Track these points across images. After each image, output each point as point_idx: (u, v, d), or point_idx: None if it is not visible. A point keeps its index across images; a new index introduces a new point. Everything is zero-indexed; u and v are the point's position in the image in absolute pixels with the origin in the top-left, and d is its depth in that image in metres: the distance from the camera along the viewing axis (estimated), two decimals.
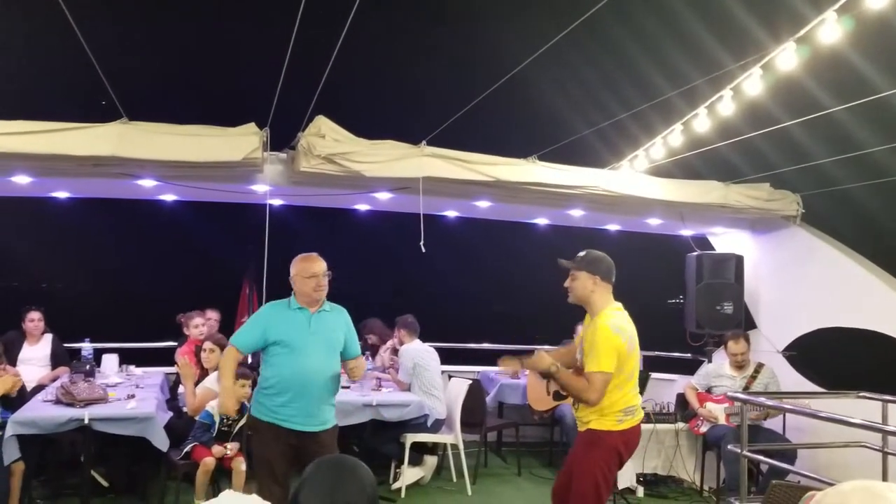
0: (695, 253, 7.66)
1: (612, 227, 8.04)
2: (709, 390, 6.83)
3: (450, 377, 7.44)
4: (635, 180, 6.85)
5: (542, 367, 4.18)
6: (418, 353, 6.87)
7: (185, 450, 5.49)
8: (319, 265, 4.50)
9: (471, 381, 7.02)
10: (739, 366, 6.71)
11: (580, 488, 4.10)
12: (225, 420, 5.55)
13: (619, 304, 4.27)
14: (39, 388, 6.46)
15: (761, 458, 5.53)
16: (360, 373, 4.78)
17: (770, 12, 5.04)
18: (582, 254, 4.28)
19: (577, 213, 7.21)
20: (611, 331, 4.04)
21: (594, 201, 6.82)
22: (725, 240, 8.12)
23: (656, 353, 8.68)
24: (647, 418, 6.83)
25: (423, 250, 5.74)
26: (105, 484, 6.10)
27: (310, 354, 4.38)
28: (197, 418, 5.61)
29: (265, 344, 4.43)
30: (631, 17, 7.26)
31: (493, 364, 8.72)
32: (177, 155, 5.36)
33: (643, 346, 8.74)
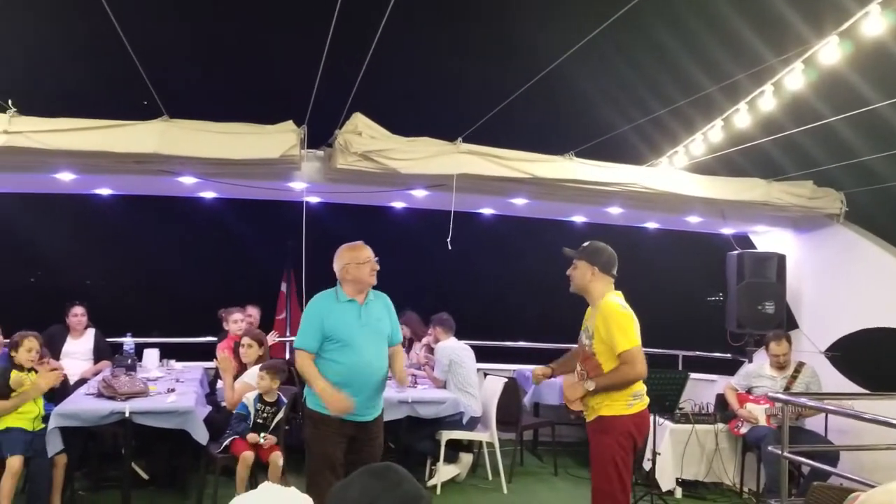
0: (736, 251, 7.58)
1: (651, 224, 7.98)
2: (749, 391, 6.76)
3: (485, 375, 7.46)
4: (675, 177, 6.80)
5: (578, 395, 4.34)
6: (454, 350, 6.90)
7: (224, 443, 5.58)
8: (369, 251, 4.55)
9: (507, 380, 7.03)
10: (780, 366, 6.63)
11: (601, 475, 4.16)
12: (260, 412, 5.64)
13: (620, 293, 4.36)
14: (82, 381, 6.62)
15: (802, 459, 5.45)
16: (401, 369, 4.69)
17: (812, 6, 4.97)
18: (585, 244, 4.41)
19: (615, 211, 7.18)
20: (621, 307, 4.19)
21: (632, 199, 6.78)
22: (767, 238, 8.02)
23: (696, 353, 8.60)
24: (686, 418, 6.81)
25: (450, 247, 5.77)
26: (146, 476, 6.24)
27: (364, 348, 4.41)
28: (234, 410, 5.72)
29: (323, 339, 4.43)
30: (670, 10, 7.21)
31: (530, 362, 8.75)
32: (216, 152, 5.46)
33: (682, 345, 8.66)
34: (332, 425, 4.38)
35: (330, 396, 4.29)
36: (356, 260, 4.49)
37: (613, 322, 4.15)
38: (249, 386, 5.85)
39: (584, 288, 4.36)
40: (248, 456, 5.42)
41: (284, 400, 5.80)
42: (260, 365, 5.89)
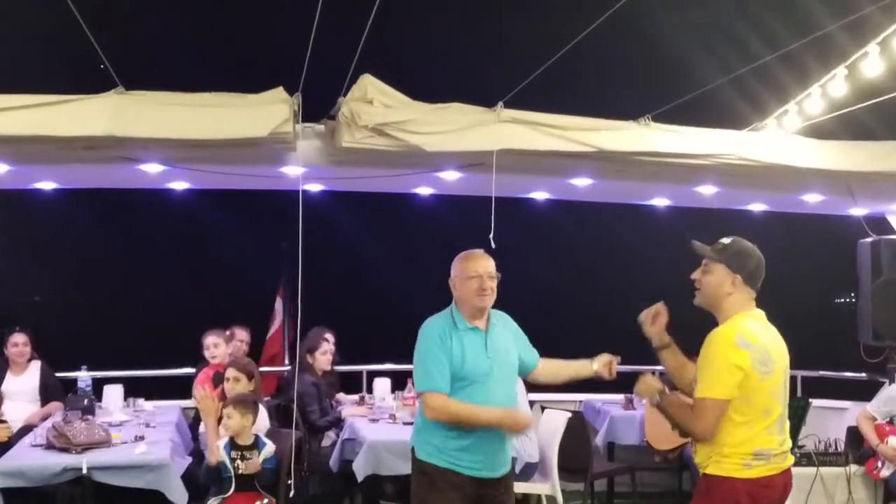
0: (869, 238, 7.48)
1: (756, 206, 7.94)
2: (892, 420, 6.66)
3: (543, 409, 7.43)
4: (785, 144, 6.73)
5: (648, 392, 4.09)
6: None
7: None
8: (484, 263, 4.50)
9: (571, 414, 6.99)
10: None
11: None
12: (237, 461, 5.62)
13: (761, 313, 4.04)
14: (27, 428, 6.70)
15: None
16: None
17: None
18: (726, 241, 4.04)
19: (707, 191, 7.16)
20: (733, 344, 3.82)
21: (730, 174, 6.73)
22: None
23: (819, 373, 8.49)
24: (808, 459, 6.71)
25: (493, 245, 5.71)
26: None
27: (494, 388, 4.41)
28: (203, 467, 5.72)
29: None
30: None
31: (601, 390, 8.70)
32: (187, 132, 5.48)
33: (798, 363, 8.52)
34: (453, 482, 4.35)
35: (506, 419, 4.39)
36: (463, 273, 4.46)
37: (708, 359, 3.88)
38: None
39: (717, 302, 4.00)
40: None
41: (265, 441, 5.79)
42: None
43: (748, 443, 3.82)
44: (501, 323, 4.64)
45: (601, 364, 4.60)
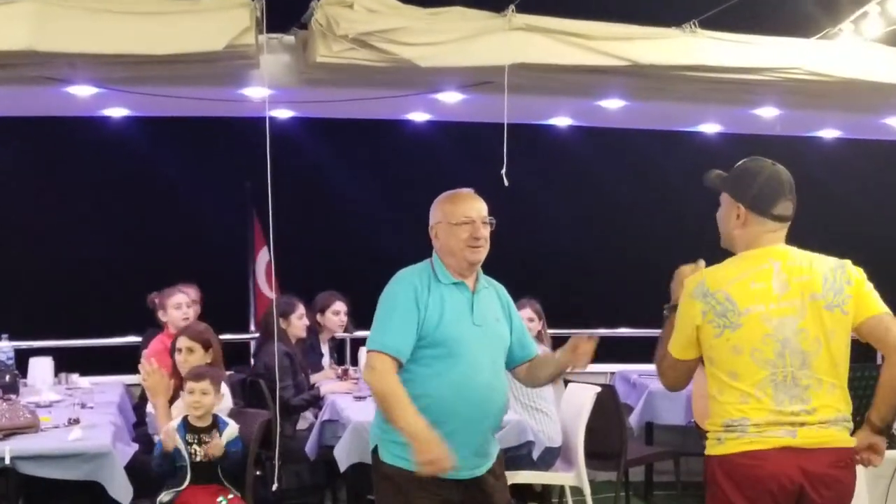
0: None
1: (828, 132, 7.96)
2: None
3: (566, 382, 7.45)
4: (864, 55, 6.75)
5: (676, 291, 4.05)
6: None
7: (163, 500, 5.64)
8: (476, 205, 4.34)
9: (600, 388, 7.01)
10: None
11: None
12: (193, 446, 5.64)
13: (787, 250, 3.87)
14: None
15: None
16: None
17: None
18: (739, 164, 3.97)
19: (768, 114, 7.18)
20: (690, 293, 3.83)
21: (796, 92, 6.77)
22: None
23: None
24: (891, 440, 6.73)
25: (507, 183, 5.69)
26: None
27: (480, 361, 4.27)
28: (154, 453, 5.74)
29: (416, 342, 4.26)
30: None
31: (637, 361, 8.71)
32: (124, 45, 5.47)
33: None
34: (425, 488, 4.15)
35: (424, 441, 3.92)
36: (449, 217, 4.31)
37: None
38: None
39: (729, 239, 3.97)
40: None
41: (226, 420, 5.80)
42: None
43: (717, 414, 3.81)
44: (494, 290, 4.53)
45: (566, 351, 4.36)
